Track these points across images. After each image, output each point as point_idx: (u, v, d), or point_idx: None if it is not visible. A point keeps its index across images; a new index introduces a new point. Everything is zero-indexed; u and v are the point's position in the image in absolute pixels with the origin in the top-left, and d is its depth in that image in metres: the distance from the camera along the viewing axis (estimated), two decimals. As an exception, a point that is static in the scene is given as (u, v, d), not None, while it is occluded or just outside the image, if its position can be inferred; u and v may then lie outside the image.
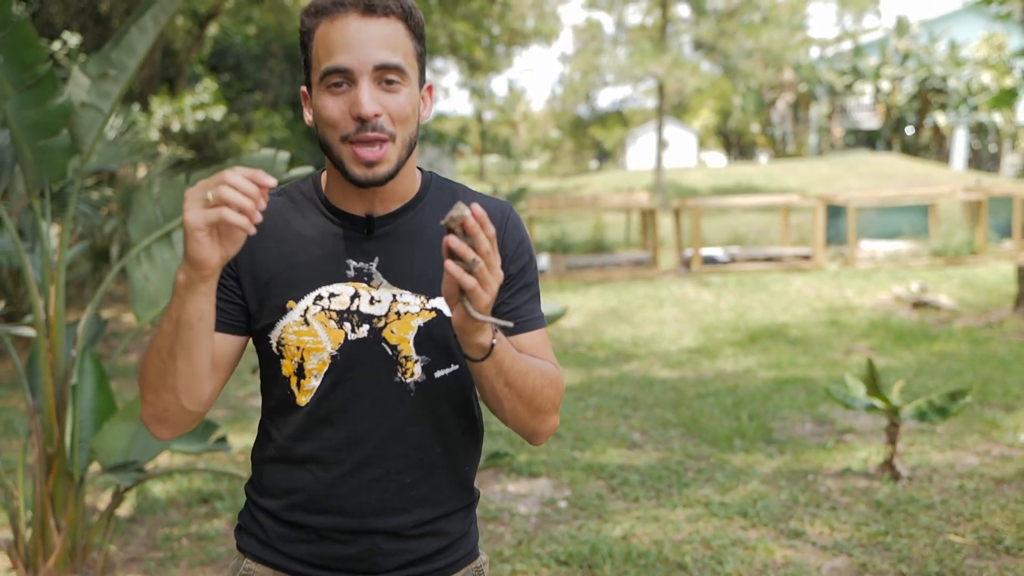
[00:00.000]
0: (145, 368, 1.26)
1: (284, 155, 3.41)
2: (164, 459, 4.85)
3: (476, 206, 1.08)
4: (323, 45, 1.24)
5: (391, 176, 1.26)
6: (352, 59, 1.21)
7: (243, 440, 4.99)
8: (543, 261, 13.71)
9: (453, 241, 1.07)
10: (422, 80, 1.31)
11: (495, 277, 1.11)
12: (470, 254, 1.08)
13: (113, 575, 3.42)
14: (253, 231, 1.12)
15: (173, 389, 1.23)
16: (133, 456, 3.22)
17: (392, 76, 1.23)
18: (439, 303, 1.31)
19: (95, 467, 3.73)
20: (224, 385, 1.36)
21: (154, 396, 1.25)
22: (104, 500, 4.15)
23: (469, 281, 1.08)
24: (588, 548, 3.49)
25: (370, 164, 1.24)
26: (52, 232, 3.99)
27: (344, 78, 1.22)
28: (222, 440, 3.47)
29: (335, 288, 1.30)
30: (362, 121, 1.22)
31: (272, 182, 1.10)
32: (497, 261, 1.11)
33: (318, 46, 1.25)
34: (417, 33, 1.28)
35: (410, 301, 1.31)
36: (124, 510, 4.11)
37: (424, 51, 1.31)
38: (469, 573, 1.43)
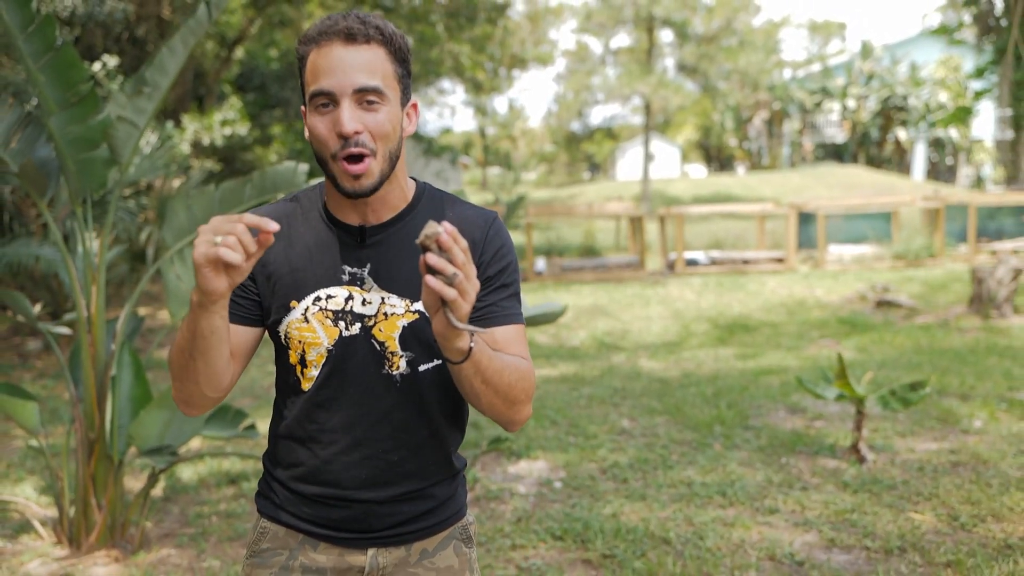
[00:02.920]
0: (171, 362, 1.31)
1: (303, 167, 3.43)
2: (196, 443, 4.85)
3: (447, 223, 1.06)
4: (312, 70, 1.27)
5: (376, 188, 1.28)
6: (335, 83, 1.24)
7: (268, 425, 4.99)
8: (540, 264, 13.69)
9: (431, 258, 1.05)
10: (406, 99, 1.33)
11: (473, 287, 1.09)
12: (449, 268, 1.05)
13: (149, 549, 3.42)
14: (245, 265, 1.13)
15: (195, 382, 1.28)
16: (167, 441, 3.22)
17: (371, 97, 1.25)
18: (422, 306, 1.31)
19: (132, 451, 3.73)
20: (243, 370, 1.39)
21: (180, 384, 1.31)
22: (141, 481, 4.15)
23: (451, 293, 1.06)
24: (581, 525, 3.49)
25: (356, 177, 1.26)
26: (93, 237, 3.98)
27: (329, 99, 1.25)
28: (251, 428, 3.47)
29: (332, 291, 1.34)
30: (345, 138, 1.24)
31: (274, 227, 1.11)
32: (473, 271, 1.09)
33: (308, 71, 1.27)
34: (399, 57, 1.29)
35: (396, 304, 1.33)
36: (159, 490, 4.11)
37: (407, 73, 1.32)
38: (456, 531, 1.46)
